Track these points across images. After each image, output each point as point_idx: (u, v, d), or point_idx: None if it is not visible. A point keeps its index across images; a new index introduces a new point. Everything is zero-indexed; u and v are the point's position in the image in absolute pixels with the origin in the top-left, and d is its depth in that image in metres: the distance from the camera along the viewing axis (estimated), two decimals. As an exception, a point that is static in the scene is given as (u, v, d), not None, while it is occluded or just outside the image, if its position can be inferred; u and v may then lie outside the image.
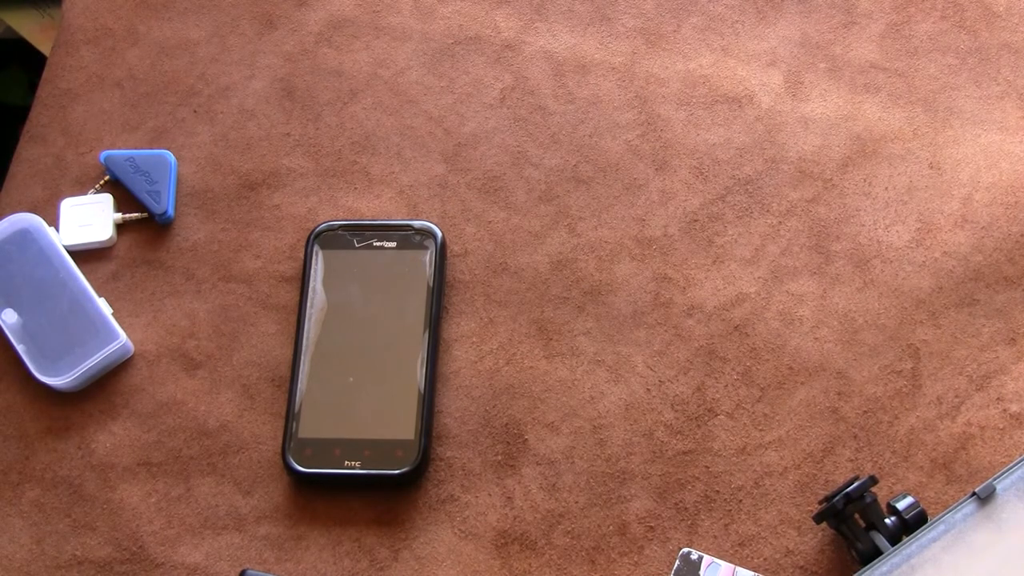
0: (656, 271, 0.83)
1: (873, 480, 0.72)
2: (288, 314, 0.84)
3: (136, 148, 0.90)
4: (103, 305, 0.83)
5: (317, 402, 0.80)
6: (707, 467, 0.78)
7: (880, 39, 0.90)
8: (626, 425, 0.79)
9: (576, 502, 0.77)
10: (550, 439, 0.79)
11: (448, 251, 0.85)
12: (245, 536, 0.78)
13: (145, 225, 0.88)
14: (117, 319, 0.84)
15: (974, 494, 0.69)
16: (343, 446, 0.78)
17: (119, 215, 0.88)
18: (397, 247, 0.84)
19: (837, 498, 0.71)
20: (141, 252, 0.87)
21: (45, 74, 0.94)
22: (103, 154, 0.89)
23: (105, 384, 0.83)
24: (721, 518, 0.76)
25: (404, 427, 0.78)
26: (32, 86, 1.23)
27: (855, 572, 0.71)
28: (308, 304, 0.82)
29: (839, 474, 0.77)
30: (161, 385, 0.83)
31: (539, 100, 0.90)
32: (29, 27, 1.17)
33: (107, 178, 0.89)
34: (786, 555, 0.75)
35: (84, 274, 0.84)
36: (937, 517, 0.70)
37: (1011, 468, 0.70)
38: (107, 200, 0.88)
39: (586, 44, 0.91)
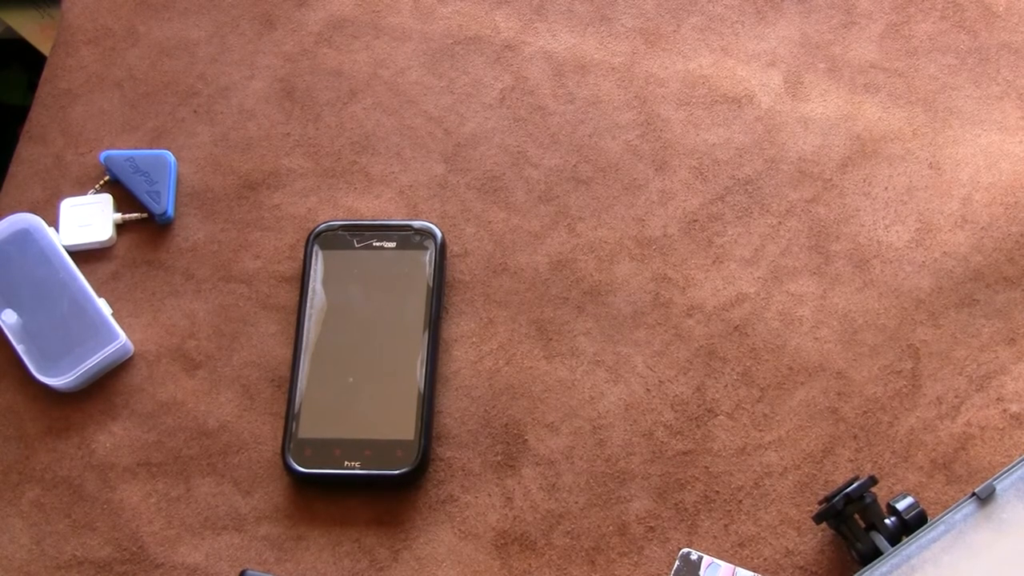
0: (656, 271, 0.83)
1: (873, 480, 0.72)
2: (288, 314, 0.84)
3: (136, 148, 0.90)
4: (103, 305, 0.83)
5: (317, 402, 0.80)
6: (707, 467, 0.78)
7: (880, 39, 0.90)
8: (626, 425, 0.79)
9: (576, 502, 0.77)
10: (550, 439, 0.79)
11: (448, 251, 0.85)
12: (245, 536, 0.78)
13: (145, 225, 0.88)
14: (117, 319, 0.84)
15: (974, 494, 0.69)
16: (343, 446, 0.78)
17: (119, 215, 0.88)
18: (397, 247, 0.84)
19: (837, 498, 0.71)
20: (141, 252, 0.87)
21: (45, 74, 0.94)
22: (103, 154, 0.89)
23: (105, 384, 0.83)
24: (721, 518, 0.76)
25: (404, 427, 0.78)
26: (32, 86, 1.23)
27: (855, 572, 0.71)
28: (308, 304, 0.82)
29: (839, 474, 0.77)
30: (161, 385, 0.83)
31: (539, 100, 0.90)
32: (29, 27, 1.17)
33: (107, 178, 0.89)
34: (786, 555, 0.75)
35: (84, 274, 0.84)
36: (937, 517, 0.70)
37: (1011, 468, 0.70)
38: (107, 200, 0.88)
39: (586, 44, 0.91)
